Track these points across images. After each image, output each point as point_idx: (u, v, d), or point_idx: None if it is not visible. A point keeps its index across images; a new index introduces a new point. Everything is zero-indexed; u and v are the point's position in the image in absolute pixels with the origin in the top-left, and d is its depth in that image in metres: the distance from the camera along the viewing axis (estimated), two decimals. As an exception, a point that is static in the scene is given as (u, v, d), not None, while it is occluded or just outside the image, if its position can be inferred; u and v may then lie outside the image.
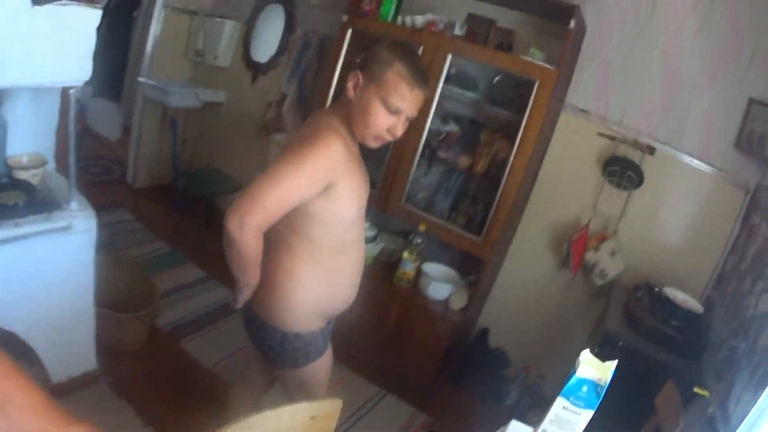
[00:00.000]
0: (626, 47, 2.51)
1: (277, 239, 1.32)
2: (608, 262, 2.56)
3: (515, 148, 2.28)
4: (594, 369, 1.00)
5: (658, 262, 2.55)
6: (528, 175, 2.41)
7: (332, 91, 2.65)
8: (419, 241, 2.53)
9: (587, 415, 1.02)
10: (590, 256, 2.59)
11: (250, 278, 1.30)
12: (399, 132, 1.31)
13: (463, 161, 2.56)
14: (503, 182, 2.31)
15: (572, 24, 2.22)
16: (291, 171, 1.20)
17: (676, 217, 2.53)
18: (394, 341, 2.58)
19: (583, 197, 2.63)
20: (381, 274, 2.65)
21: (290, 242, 1.32)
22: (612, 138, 2.52)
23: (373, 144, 1.33)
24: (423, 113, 2.43)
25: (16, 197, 1.78)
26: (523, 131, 2.26)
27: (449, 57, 2.40)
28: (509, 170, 2.30)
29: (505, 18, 2.63)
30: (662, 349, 2.01)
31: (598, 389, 1.00)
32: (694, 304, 2.18)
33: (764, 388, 1.43)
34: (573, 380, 1.00)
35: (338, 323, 1.62)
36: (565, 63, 2.27)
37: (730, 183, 2.39)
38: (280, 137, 3.13)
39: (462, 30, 2.51)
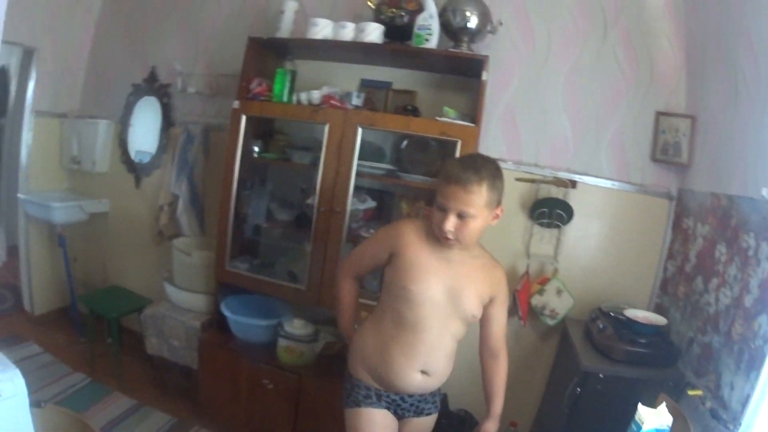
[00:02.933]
0: (528, 90, 2.50)
1: None
2: (556, 302, 2.55)
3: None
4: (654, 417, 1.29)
5: (602, 288, 2.55)
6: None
7: (234, 186, 2.42)
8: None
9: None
10: (537, 300, 2.55)
11: (341, 319, 1.74)
12: (446, 226, 1.41)
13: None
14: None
15: (484, 75, 2.18)
16: (367, 240, 1.73)
17: (609, 241, 2.54)
18: None
19: (514, 245, 2.56)
20: (328, 369, 2.42)
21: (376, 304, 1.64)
22: (531, 181, 2.48)
23: (444, 241, 1.46)
24: (341, 194, 2.28)
25: None
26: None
27: (359, 130, 2.26)
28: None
29: (400, 79, 2.55)
30: (640, 368, 2.05)
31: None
32: (656, 318, 2.21)
33: (755, 369, 1.58)
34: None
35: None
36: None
37: (653, 195, 2.45)
38: (180, 242, 2.82)
39: (359, 99, 2.39)
